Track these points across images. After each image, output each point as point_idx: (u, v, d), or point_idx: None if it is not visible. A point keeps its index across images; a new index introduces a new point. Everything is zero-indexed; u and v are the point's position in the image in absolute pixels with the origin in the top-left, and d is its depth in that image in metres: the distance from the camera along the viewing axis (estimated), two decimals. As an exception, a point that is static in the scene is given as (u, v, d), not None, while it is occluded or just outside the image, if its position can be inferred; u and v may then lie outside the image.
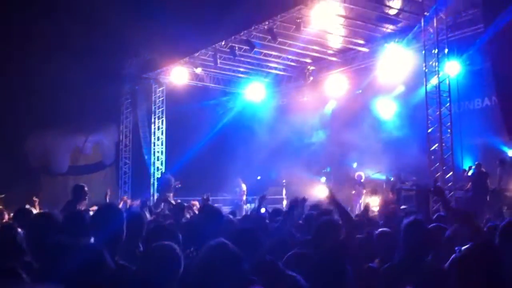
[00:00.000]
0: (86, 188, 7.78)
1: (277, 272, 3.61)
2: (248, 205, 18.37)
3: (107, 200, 8.57)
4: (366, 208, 7.61)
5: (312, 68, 19.32)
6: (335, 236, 4.15)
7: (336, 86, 19.81)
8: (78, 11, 17.06)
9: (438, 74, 12.71)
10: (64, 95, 17.71)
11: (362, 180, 17.22)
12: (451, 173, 12.72)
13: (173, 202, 9.07)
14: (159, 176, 19.22)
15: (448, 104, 12.82)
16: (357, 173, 17.78)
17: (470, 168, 14.78)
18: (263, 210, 8.54)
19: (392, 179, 17.11)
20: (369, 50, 17.27)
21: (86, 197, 7.75)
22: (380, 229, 4.97)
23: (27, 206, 9.51)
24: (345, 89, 19.98)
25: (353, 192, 17.37)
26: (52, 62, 17.54)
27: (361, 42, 16.93)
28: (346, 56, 18.20)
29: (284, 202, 19.20)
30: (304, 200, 6.83)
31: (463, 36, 14.58)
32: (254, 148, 20.33)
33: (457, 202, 12.99)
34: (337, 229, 4.23)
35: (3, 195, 15.90)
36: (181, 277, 3.13)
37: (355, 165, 20.80)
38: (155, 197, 18.83)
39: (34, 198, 10.68)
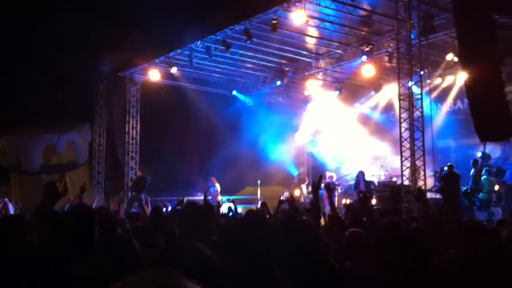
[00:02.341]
0: (57, 184, 7.65)
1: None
2: (224, 205, 18.30)
3: (83, 195, 8.41)
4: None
5: (287, 69, 19.43)
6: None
7: (312, 88, 19.96)
8: (51, 8, 16.83)
9: (411, 76, 12.90)
10: (37, 93, 17.46)
11: (334, 180, 17.32)
12: (422, 174, 12.91)
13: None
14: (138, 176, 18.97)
15: (420, 106, 13.02)
16: (329, 174, 17.91)
17: (442, 169, 15.06)
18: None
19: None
20: (345, 52, 17.45)
21: (58, 194, 7.62)
22: (351, 229, 4.95)
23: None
24: (321, 91, 20.15)
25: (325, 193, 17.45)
26: (24, 59, 17.30)
27: (337, 44, 17.11)
28: (322, 57, 18.34)
29: (259, 203, 19.26)
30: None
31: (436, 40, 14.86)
32: (229, 147, 20.36)
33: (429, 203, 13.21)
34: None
35: None
36: None
37: (329, 166, 21.06)
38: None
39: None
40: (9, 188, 18.43)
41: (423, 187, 12.78)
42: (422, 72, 13.87)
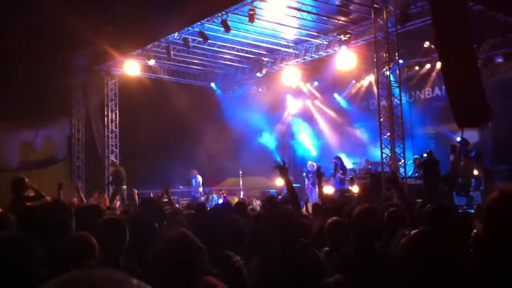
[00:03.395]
0: (26, 180, 7.59)
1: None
2: (204, 197, 18.31)
3: (61, 192, 8.36)
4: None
5: (266, 59, 19.39)
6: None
7: (291, 78, 19.91)
8: (24, 2, 16.57)
9: (389, 65, 12.97)
10: (11, 88, 17.19)
11: (315, 169, 17.35)
12: (402, 161, 13.04)
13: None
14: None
15: (398, 94, 13.13)
16: (310, 163, 17.95)
17: (421, 156, 15.22)
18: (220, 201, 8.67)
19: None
20: (323, 41, 17.46)
21: (27, 188, 7.58)
22: (332, 218, 5.02)
23: None
24: (301, 81, 20.12)
25: (307, 181, 17.57)
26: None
27: (315, 33, 17.11)
28: (301, 47, 18.33)
29: (242, 193, 19.29)
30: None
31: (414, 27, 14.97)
32: (210, 139, 20.32)
33: (409, 189, 13.36)
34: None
35: None
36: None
37: (311, 154, 21.17)
38: (111, 191, 18.58)
39: None
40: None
41: (402, 174, 12.91)
42: (401, 61, 13.99)
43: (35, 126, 19.12)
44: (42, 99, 17.62)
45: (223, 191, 15.61)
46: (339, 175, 16.27)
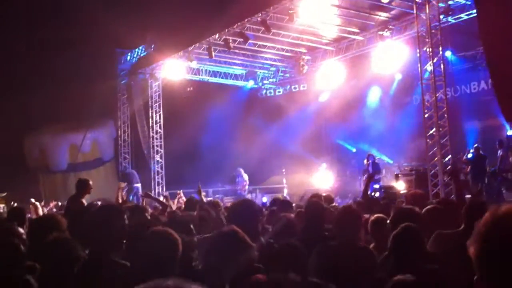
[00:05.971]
0: (90, 182, 7.85)
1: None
2: (249, 195, 18.41)
3: (120, 193, 8.60)
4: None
5: (307, 58, 19.35)
6: None
7: (332, 75, 19.78)
8: (70, 9, 17.07)
9: (433, 60, 12.75)
10: (59, 93, 17.75)
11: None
12: (449, 157, 12.79)
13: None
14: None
15: (443, 89, 12.88)
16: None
17: (468, 151, 14.91)
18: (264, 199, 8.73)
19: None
20: (364, 38, 17.32)
21: (90, 191, 7.83)
22: (376, 215, 5.02)
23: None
24: (341, 78, 20.00)
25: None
26: (46, 60, 17.58)
27: (355, 30, 16.98)
28: (341, 45, 18.22)
29: (285, 191, 19.29)
30: None
31: (457, 22, 14.68)
32: (253, 137, 20.41)
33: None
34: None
35: (4, 194, 16.06)
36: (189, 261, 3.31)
37: (354, 149, 21.01)
38: (157, 191, 18.97)
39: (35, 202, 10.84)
40: (37, 189, 18.78)
41: (448, 169, 12.66)
42: (449, 53, 13.49)
43: (83, 129, 19.69)
44: (90, 102, 18.15)
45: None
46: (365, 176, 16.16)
